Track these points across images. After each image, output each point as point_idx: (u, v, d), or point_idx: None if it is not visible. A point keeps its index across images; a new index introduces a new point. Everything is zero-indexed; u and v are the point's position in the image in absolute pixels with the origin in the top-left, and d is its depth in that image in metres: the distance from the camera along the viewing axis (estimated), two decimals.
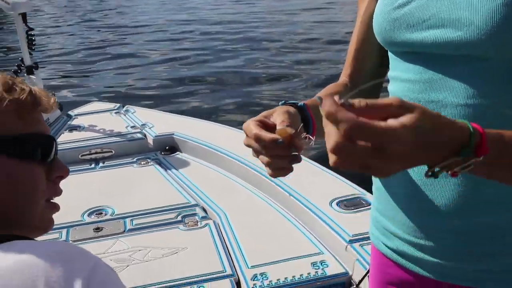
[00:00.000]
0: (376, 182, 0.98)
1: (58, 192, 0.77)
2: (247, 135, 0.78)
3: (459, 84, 0.79)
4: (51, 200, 0.76)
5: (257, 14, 13.70)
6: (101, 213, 2.28)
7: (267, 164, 0.77)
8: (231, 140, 2.81)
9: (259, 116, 0.81)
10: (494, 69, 0.76)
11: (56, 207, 0.77)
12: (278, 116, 0.78)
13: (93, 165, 2.81)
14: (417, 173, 0.86)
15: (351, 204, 2.07)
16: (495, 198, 0.81)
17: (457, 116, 0.79)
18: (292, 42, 9.74)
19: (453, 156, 0.60)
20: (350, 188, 2.20)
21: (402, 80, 0.86)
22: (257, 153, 0.78)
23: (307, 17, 12.54)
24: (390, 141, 0.56)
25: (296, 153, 0.76)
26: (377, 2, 0.95)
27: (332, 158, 0.58)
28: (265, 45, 9.57)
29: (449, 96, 0.80)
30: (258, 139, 0.75)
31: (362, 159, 0.57)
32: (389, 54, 0.91)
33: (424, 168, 0.86)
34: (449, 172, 0.62)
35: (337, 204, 2.08)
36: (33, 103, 0.71)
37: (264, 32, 10.96)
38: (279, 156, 0.75)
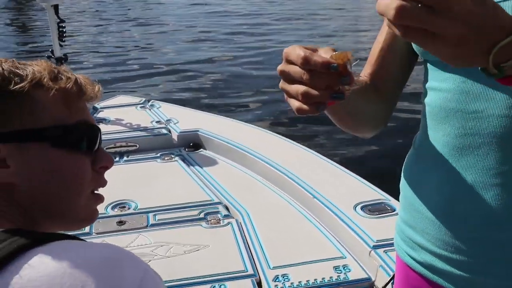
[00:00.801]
0: (403, 190, 0.96)
1: (103, 182, 0.76)
2: (286, 60, 0.70)
3: (499, 95, 0.76)
4: (95, 191, 0.75)
5: (284, 13, 13.68)
6: (125, 207, 2.29)
7: (304, 95, 0.68)
8: (255, 139, 2.81)
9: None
10: None
11: (100, 198, 0.76)
12: (327, 52, 0.68)
13: (117, 158, 2.82)
14: (447, 184, 0.84)
15: (375, 209, 2.05)
16: None
17: (498, 127, 0.77)
18: (316, 40, 9.69)
19: None
20: (374, 193, 2.17)
21: (441, 90, 0.84)
22: (291, 81, 0.70)
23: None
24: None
25: (337, 95, 0.68)
26: None
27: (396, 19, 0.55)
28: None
29: (489, 107, 0.78)
30: (307, 61, 0.66)
31: (423, 22, 0.54)
32: (427, 64, 0.89)
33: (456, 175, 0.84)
34: None
35: (361, 208, 2.06)
36: (78, 91, 0.70)
37: (292, 29, 10.94)
38: (318, 91, 0.68)
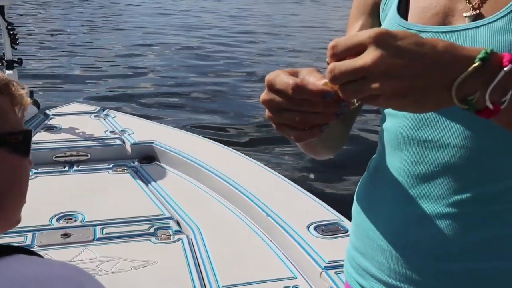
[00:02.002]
0: (355, 216, 0.94)
1: None
2: (270, 88, 0.64)
3: (455, 125, 0.76)
4: None
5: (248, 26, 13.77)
6: (71, 219, 2.20)
7: (302, 120, 0.63)
8: (211, 153, 2.76)
9: (286, 69, 0.66)
10: None
11: None
12: (311, 73, 0.63)
13: (66, 168, 2.72)
14: (400, 212, 0.83)
15: (328, 229, 2.04)
16: (483, 244, 0.78)
17: (453, 157, 0.77)
18: (282, 54, 9.79)
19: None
20: (328, 213, 2.17)
21: (398, 116, 0.83)
22: (279, 110, 0.64)
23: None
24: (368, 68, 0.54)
25: (341, 112, 0.62)
26: (370, 26, 0.91)
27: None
28: (253, 57, 9.60)
29: (445, 136, 0.77)
30: (299, 90, 0.61)
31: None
32: None
33: (410, 205, 0.83)
34: (487, 102, 0.55)
35: (315, 228, 2.04)
36: (21, 98, 0.71)
37: (253, 44, 11.00)
38: (316, 113, 0.63)
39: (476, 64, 0.55)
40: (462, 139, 0.76)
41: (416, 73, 0.54)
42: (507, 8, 0.72)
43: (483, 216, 0.78)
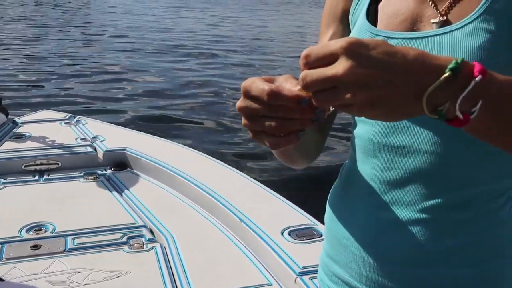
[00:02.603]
0: (328, 222, 0.94)
1: None
2: (246, 95, 0.63)
3: (425, 131, 0.77)
4: None
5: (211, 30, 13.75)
6: (41, 230, 2.15)
7: (278, 127, 0.62)
8: (184, 159, 2.74)
9: (262, 77, 0.66)
10: None
11: None
12: (287, 80, 0.63)
13: (36, 177, 2.67)
14: (372, 218, 0.83)
15: (302, 234, 2.04)
16: (455, 250, 0.78)
17: (424, 163, 0.78)
18: (256, 60, 9.80)
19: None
20: (302, 217, 2.17)
21: (369, 123, 0.83)
22: (255, 117, 0.63)
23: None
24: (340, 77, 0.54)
25: (318, 117, 0.62)
26: (342, 33, 0.92)
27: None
28: (226, 60, 9.58)
29: (415, 142, 0.78)
30: (275, 95, 0.61)
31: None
32: None
33: (382, 211, 0.83)
34: (457, 112, 0.56)
35: (289, 233, 2.04)
36: None
37: (225, 46, 10.99)
38: (292, 119, 0.62)
39: (447, 74, 0.55)
40: (432, 145, 0.77)
41: (386, 83, 0.55)
42: (473, 14, 0.74)
43: (454, 222, 0.78)
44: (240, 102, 0.64)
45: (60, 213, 2.30)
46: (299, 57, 0.60)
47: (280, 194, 2.36)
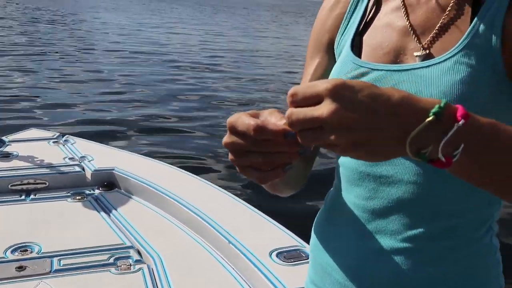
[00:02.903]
0: (313, 250, 0.95)
1: None
2: (232, 131, 0.64)
3: (408, 162, 0.78)
4: None
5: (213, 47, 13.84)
6: (26, 250, 2.12)
7: (266, 161, 0.63)
8: (173, 179, 2.74)
9: (248, 111, 0.67)
10: None
11: None
12: (272, 114, 0.64)
13: (23, 197, 2.64)
14: (356, 247, 0.84)
15: (290, 256, 2.03)
16: (438, 279, 0.79)
17: (407, 193, 0.79)
18: (241, 79, 9.86)
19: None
20: (290, 239, 2.17)
21: None
22: (241, 153, 0.64)
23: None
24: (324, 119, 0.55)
25: (304, 151, 0.63)
26: (327, 63, 0.93)
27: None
28: (218, 83, 9.63)
29: (399, 172, 0.79)
30: (261, 130, 0.61)
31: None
32: None
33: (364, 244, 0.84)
34: (440, 155, 0.56)
35: (277, 255, 2.04)
36: None
37: (213, 66, 11.05)
38: (279, 153, 0.63)
39: (430, 118, 0.55)
40: (415, 176, 0.78)
41: (370, 126, 0.55)
42: (455, 48, 0.75)
43: (437, 251, 0.79)
44: (226, 138, 0.65)
45: (46, 233, 2.28)
46: (289, 72, 0.61)
47: (268, 215, 2.36)
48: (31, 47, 12.83)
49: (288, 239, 2.17)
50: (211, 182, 2.75)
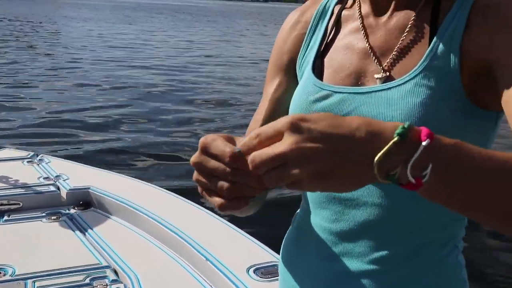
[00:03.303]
0: (281, 271, 0.96)
1: None
2: (205, 151, 0.62)
3: (372, 185, 0.79)
4: None
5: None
6: (0, 273, 2.09)
7: (231, 189, 0.61)
8: (150, 197, 2.72)
9: (222, 134, 0.65)
10: None
11: None
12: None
13: None
14: (323, 269, 0.85)
15: (267, 272, 2.04)
16: None
17: (372, 216, 0.80)
18: (204, 94, 9.88)
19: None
20: (267, 255, 2.17)
21: None
22: (208, 175, 0.62)
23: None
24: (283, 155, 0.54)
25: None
26: (287, 84, 0.93)
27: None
28: (192, 97, 9.63)
29: (363, 195, 0.80)
30: (238, 159, 0.59)
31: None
32: None
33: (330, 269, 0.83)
34: (410, 177, 0.55)
35: (254, 271, 2.04)
36: None
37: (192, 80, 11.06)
38: (246, 185, 0.61)
39: (395, 139, 0.54)
40: (380, 198, 0.79)
41: (332, 155, 0.54)
42: (414, 70, 0.76)
43: (402, 273, 0.80)
44: (196, 158, 0.63)
45: (20, 255, 2.24)
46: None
47: (245, 231, 2.37)
48: (2, 65, 12.68)
49: (265, 254, 2.18)
50: (186, 198, 2.74)
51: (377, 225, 0.80)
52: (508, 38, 0.72)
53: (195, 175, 0.64)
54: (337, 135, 0.54)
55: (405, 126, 0.55)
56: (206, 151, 0.62)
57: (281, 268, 0.96)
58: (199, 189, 0.66)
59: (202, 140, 0.63)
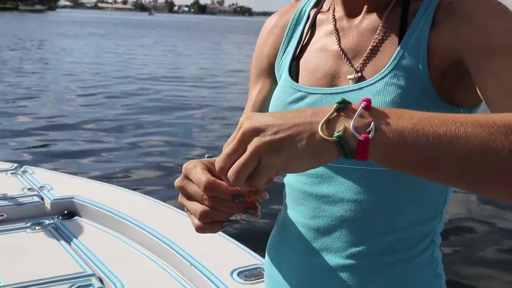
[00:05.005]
0: (267, 268, 0.99)
1: None
2: (187, 176, 0.70)
3: (348, 181, 0.82)
4: None
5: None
6: None
7: (204, 215, 0.69)
8: (134, 205, 2.74)
9: (204, 160, 0.74)
10: (379, 167, 0.79)
11: None
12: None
13: None
14: (305, 264, 0.88)
15: (251, 274, 2.07)
16: None
17: (348, 211, 0.82)
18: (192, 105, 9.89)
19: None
20: (250, 258, 2.21)
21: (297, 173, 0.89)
22: (189, 198, 0.70)
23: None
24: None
25: (246, 216, 0.70)
26: (269, 86, 0.98)
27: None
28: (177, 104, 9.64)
29: (339, 191, 0.83)
30: (211, 188, 0.68)
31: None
32: None
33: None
34: (353, 131, 0.60)
35: (238, 274, 2.08)
36: None
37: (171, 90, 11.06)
38: (221, 211, 0.70)
39: (335, 106, 0.62)
40: (356, 194, 0.81)
41: (281, 127, 0.61)
42: (384, 70, 0.79)
43: (378, 267, 0.83)
44: (179, 182, 0.71)
45: (5, 266, 2.25)
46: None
47: (228, 235, 2.40)
48: None
49: (248, 257, 2.21)
50: (169, 204, 2.77)
51: (353, 220, 0.82)
52: (472, 30, 0.75)
53: (180, 197, 0.73)
54: (285, 113, 0.63)
55: (344, 99, 0.62)
56: (186, 177, 0.71)
57: (266, 265, 0.99)
58: (185, 209, 0.74)
59: (184, 166, 0.72)
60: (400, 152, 0.60)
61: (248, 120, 0.63)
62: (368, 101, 0.61)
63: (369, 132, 0.59)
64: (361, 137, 0.59)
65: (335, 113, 0.61)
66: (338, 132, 0.60)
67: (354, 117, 0.60)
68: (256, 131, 0.61)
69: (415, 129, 0.59)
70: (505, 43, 0.73)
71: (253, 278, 2.05)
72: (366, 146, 0.59)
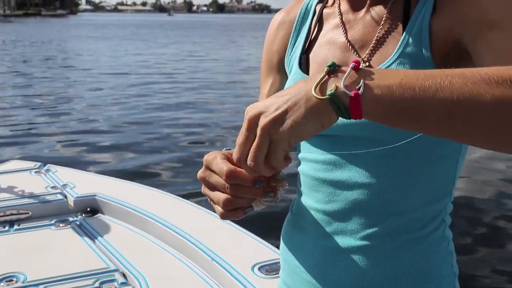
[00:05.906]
0: (282, 253, 1.01)
1: None
2: (208, 167, 0.75)
3: (360, 165, 0.84)
4: None
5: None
6: (12, 280, 2.15)
7: (226, 203, 0.74)
8: (155, 202, 2.78)
9: (223, 151, 0.79)
10: (388, 150, 0.82)
11: None
12: None
13: (6, 228, 2.66)
14: (320, 248, 0.89)
15: (272, 269, 2.08)
16: (396, 275, 0.85)
17: (361, 195, 0.85)
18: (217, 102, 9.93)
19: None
20: (271, 253, 2.22)
21: (309, 160, 0.91)
22: (212, 188, 0.75)
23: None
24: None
25: (267, 200, 0.74)
26: (279, 82, 1.01)
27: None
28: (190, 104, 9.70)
29: (352, 176, 0.85)
30: (232, 176, 0.72)
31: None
32: None
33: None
34: (343, 88, 0.64)
35: (259, 269, 2.09)
36: None
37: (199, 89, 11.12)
38: (242, 198, 0.75)
39: (326, 69, 0.66)
40: (368, 178, 0.84)
41: (281, 102, 0.66)
42: (390, 59, 0.82)
43: (391, 247, 0.85)
44: (201, 173, 0.75)
45: (31, 262, 2.30)
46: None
47: (249, 230, 2.41)
48: (9, 79, 12.80)
49: (269, 252, 2.22)
50: (190, 201, 2.80)
51: (366, 203, 0.85)
52: (469, 10, 0.78)
53: (203, 188, 0.78)
54: (282, 91, 0.68)
55: (334, 62, 0.67)
56: (208, 168, 0.75)
57: (282, 250, 1.01)
58: (208, 199, 0.78)
59: (205, 157, 0.77)
60: (391, 106, 0.63)
61: (251, 108, 0.68)
62: (357, 62, 0.66)
63: (359, 88, 0.64)
64: (352, 93, 0.63)
65: (326, 76, 0.66)
66: (330, 90, 0.64)
67: (344, 76, 0.65)
68: (260, 115, 0.66)
69: (402, 84, 0.63)
70: (498, 15, 0.76)
71: (274, 273, 2.06)
72: (358, 102, 0.63)
